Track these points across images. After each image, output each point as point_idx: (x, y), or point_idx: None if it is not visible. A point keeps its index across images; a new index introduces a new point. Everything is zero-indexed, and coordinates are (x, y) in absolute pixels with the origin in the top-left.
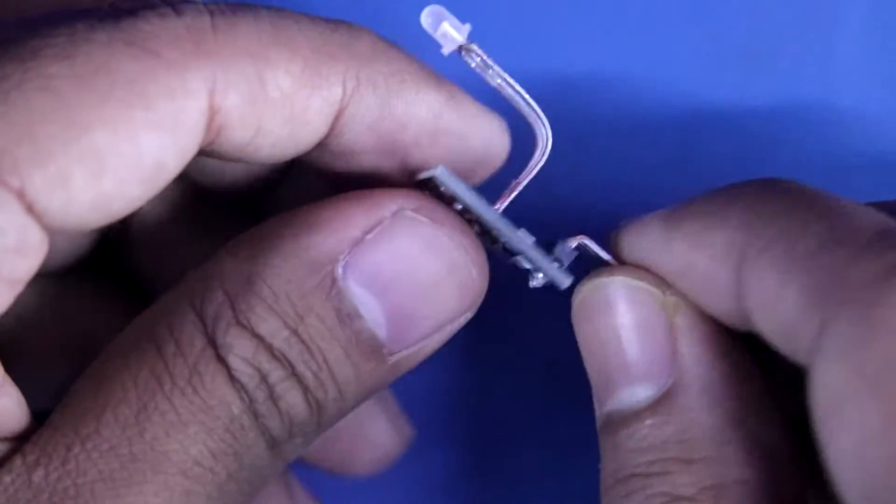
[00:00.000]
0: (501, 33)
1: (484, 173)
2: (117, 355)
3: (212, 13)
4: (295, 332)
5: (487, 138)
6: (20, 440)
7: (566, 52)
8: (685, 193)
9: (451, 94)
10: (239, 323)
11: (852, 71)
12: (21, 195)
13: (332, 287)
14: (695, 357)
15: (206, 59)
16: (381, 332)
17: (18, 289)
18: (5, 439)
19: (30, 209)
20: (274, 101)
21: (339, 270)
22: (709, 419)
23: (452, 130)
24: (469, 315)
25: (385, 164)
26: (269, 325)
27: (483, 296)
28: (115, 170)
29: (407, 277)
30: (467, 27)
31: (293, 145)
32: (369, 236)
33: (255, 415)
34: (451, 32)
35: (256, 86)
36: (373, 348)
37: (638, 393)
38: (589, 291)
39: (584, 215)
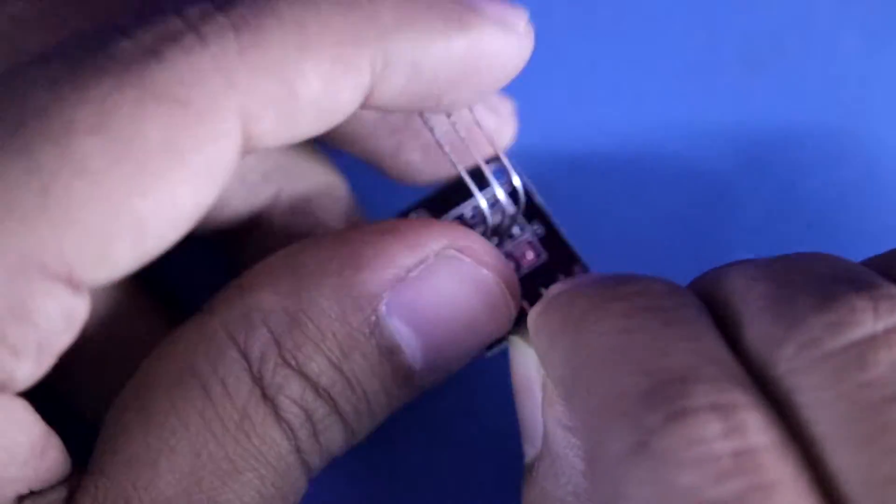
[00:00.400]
0: None
1: (498, 84)
2: (161, 391)
3: (236, 29)
4: (340, 370)
5: (508, 57)
6: (66, 483)
7: (564, 50)
8: (683, 195)
9: (476, 32)
10: (286, 362)
11: (853, 71)
12: (68, 281)
13: (376, 324)
14: (551, 430)
15: (235, 93)
16: (417, 364)
17: (62, 352)
18: (56, 487)
19: (77, 288)
20: (305, 106)
21: (383, 308)
22: (556, 491)
23: (479, 69)
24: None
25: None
26: (316, 364)
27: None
28: (156, 231)
29: (448, 315)
30: None
31: (317, 131)
32: (413, 273)
33: (299, 451)
34: None
35: (288, 99)
36: (406, 378)
37: (527, 449)
38: (511, 343)
39: (580, 217)
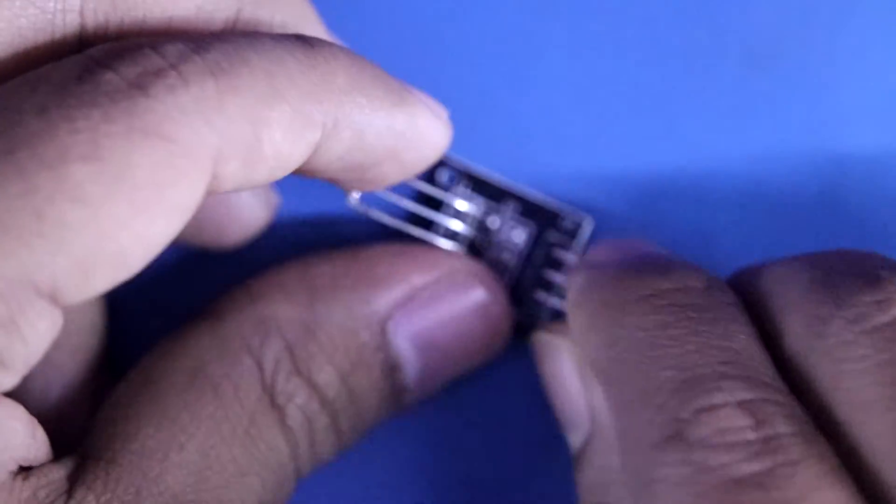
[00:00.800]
0: (497, 26)
1: (422, 165)
2: (172, 389)
3: (214, 75)
4: (346, 383)
5: (435, 141)
6: (61, 463)
7: (563, 50)
8: (685, 195)
9: (413, 110)
10: (298, 372)
11: (853, 71)
12: (53, 300)
13: (384, 340)
14: (598, 406)
15: (213, 134)
16: (411, 383)
17: (36, 362)
18: (53, 466)
19: (57, 306)
20: (266, 154)
21: (392, 325)
22: (614, 463)
23: (411, 146)
24: None
25: (343, 176)
26: (325, 375)
27: None
28: (131, 261)
29: (450, 338)
30: None
31: (266, 181)
32: (423, 294)
33: (296, 459)
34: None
35: (254, 145)
36: (398, 397)
37: (573, 439)
38: (536, 339)
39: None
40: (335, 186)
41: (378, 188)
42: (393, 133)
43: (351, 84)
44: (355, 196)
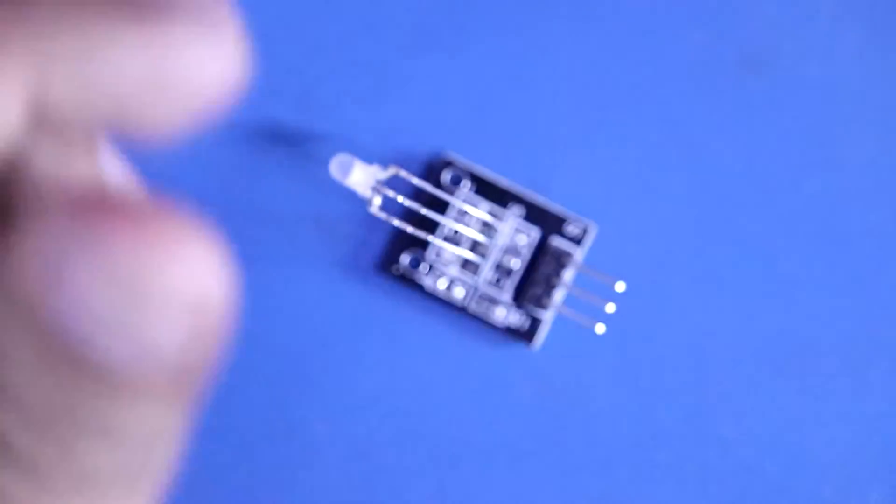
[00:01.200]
0: (502, 29)
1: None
2: None
3: None
4: None
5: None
6: None
7: (563, 51)
8: (687, 196)
9: (164, 30)
10: None
11: (853, 72)
12: None
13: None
14: None
15: None
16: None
17: None
18: None
19: None
20: None
21: None
22: None
23: (178, 76)
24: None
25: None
26: None
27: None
28: None
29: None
30: (375, 169)
31: None
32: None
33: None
34: (358, 185)
35: None
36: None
37: None
38: None
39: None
40: (333, 179)
41: (170, 128)
42: (136, 68)
43: (56, 17)
44: (377, 204)
